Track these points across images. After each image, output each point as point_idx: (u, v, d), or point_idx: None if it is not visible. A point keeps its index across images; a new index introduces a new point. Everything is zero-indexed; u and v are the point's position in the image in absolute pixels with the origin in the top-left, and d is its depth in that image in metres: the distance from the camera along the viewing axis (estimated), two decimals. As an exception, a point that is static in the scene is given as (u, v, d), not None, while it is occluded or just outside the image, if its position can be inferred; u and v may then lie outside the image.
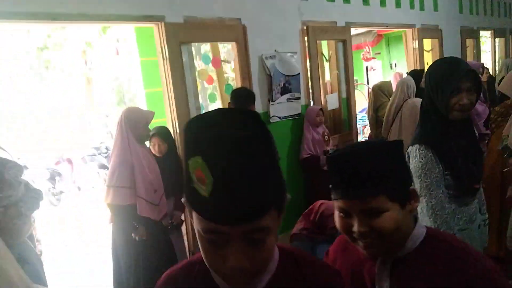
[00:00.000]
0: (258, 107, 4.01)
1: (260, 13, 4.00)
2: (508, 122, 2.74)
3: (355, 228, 0.97)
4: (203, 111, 3.64)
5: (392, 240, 0.99)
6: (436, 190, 1.66)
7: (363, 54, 8.67)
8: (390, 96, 4.76)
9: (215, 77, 3.98)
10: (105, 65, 11.13)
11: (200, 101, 3.89)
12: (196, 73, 3.57)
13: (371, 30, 8.10)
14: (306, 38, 4.42)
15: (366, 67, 9.66)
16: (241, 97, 3.09)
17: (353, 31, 6.81)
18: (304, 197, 4.20)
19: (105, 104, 13.00)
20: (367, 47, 8.63)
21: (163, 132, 3.15)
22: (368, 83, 9.06)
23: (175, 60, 3.25)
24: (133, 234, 2.74)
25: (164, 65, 3.24)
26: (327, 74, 5.46)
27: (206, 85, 3.99)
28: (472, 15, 7.67)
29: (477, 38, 7.83)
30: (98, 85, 12.13)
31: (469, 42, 7.55)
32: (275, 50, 4.10)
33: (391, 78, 6.86)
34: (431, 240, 1.02)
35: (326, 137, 4.05)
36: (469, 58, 7.53)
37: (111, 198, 2.69)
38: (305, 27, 4.41)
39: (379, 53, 9.75)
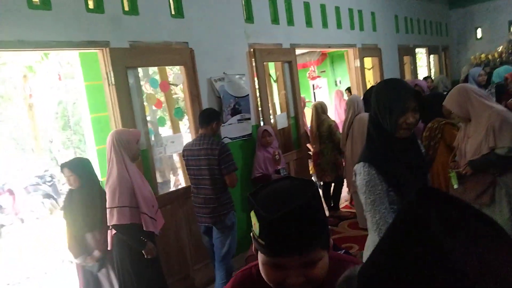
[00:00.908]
0: (209, 129, 4.02)
1: (207, 37, 4.05)
2: (458, 134, 2.95)
3: (291, 280, 0.94)
4: (152, 136, 3.60)
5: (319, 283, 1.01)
6: (379, 206, 1.74)
7: (308, 73, 8.95)
8: (325, 114, 5.32)
9: (164, 100, 3.95)
10: (48, 90, 10.70)
11: (149, 125, 3.84)
12: (144, 97, 3.53)
13: (316, 50, 8.40)
14: (253, 60, 4.53)
15: (313, 85, 9.96)
16: (205, 115, 3.36)
17: (299, 51, 7.06)
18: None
19: (49, 129, 12.45)
20: (312, 66, 8.93)
21: (73, 164, 3.04)
22: (315, 101, 9.35)
23: (121, 85, 3.21)
24: (144, 252, 2.80)
25: (109, 91, 3.19)
26: (276, 94, 5.60)
27: (155, 108, 3.95)
28: (408, 33, 8.21)
29: (413, 55, 8.37)
30: (41, 110, 11.60)
31: (406, 59, 8.05)
32: (224, 73, 4.16)
33: (333, 95, 7.15)
34: (332, 263, 1.05)
35: (277, 157, 4.11)
36: (407, 74, 8.02)
37: (116, 219, 2.71)
38: (252, 50, 4.51)
39: (324, 71, 10.09)
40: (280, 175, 4.01)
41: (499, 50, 9.61)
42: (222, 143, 3.32)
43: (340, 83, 9.91)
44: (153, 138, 3.69)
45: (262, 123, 4.67)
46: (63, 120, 12.51)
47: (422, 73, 9.29)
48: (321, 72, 9.94)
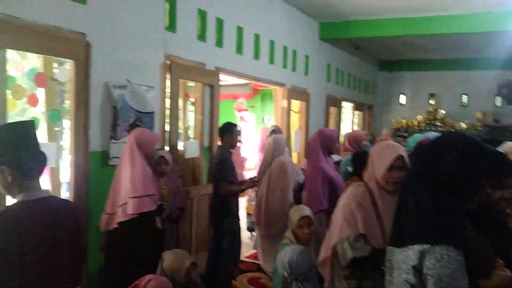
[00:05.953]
0: (96, 145, 3.27)
1: (114, 33, 3.38)
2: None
3: None
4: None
5: None
6: None
7: (236, 104, 8.62)
8: None
9: (43, 98, 3.15)
10: None
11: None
12: (9, 89, 2.72)
13: (248, 83, 8.10)
14: (168, 74, 3.92)
15: (240, 117, 9.68)
16: (220, 129, 4.01)
17: (231, 80, 6.61)
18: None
19: None
20: (241, 98, 8.62)
21: None
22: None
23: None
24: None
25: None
26: (192, 118, 4.99)
27: (31, 106, 3.12)
28: (338, 85, 8.19)
29: (339, 108, 8.32)
30: None
31: (333, 110, 7.96)
32: (127, 80, 3.48)
33: (260, 131, 6.82)
34: None
35: (164, 191, 3.21)
36: (331, 125, 7.89)
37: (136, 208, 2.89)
38: (168, 62, 3.91)
39: (254, 106, 9.88)
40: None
41: (418, 119, 10.01)
42: (222, 155, 3.82)
43: (268, 121, 9.73)
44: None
45: (167, 148, 3.99)
46: None
47: (345, 127, 9.32)
48: (251, 107, 9.73)
